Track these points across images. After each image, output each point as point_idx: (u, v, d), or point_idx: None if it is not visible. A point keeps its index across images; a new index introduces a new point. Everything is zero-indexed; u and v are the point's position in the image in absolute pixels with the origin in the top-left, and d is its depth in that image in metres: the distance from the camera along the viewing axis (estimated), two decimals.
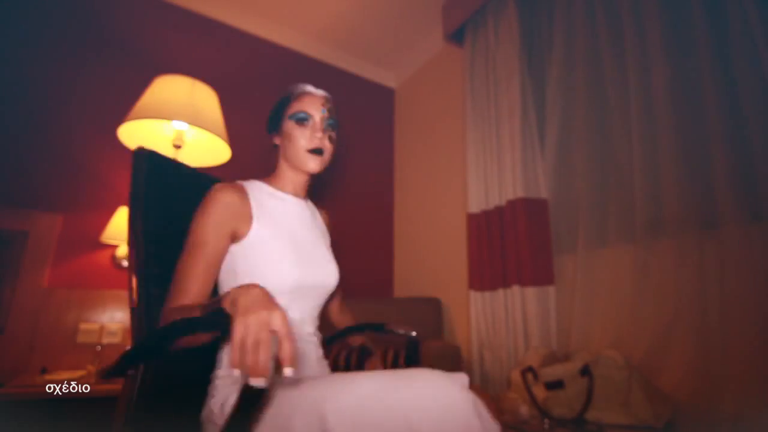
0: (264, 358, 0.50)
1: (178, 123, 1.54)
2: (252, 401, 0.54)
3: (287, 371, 0.51)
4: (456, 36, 2.28)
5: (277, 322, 0.53)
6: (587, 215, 1.57)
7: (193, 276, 0.78)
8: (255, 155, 2.20)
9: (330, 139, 0.96)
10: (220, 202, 0.84)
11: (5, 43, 1.82)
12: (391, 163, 3.00)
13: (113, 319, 1.84)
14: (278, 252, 0.88)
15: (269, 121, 1.00)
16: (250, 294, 0.57)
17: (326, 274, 0.96)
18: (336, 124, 0.97)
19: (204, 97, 1.59)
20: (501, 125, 1.88)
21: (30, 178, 1.80)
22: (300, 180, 1.00)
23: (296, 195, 1.01)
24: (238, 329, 0.52)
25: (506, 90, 1.87)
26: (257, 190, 0.93)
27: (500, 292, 1.76)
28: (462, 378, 0.65)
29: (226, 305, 0.58)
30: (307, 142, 0.93)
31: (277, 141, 0.99)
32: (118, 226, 1.77)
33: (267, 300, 0.56)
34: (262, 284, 0.70)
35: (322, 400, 0.58)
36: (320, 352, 0.96)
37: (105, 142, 1.82)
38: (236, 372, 0.51)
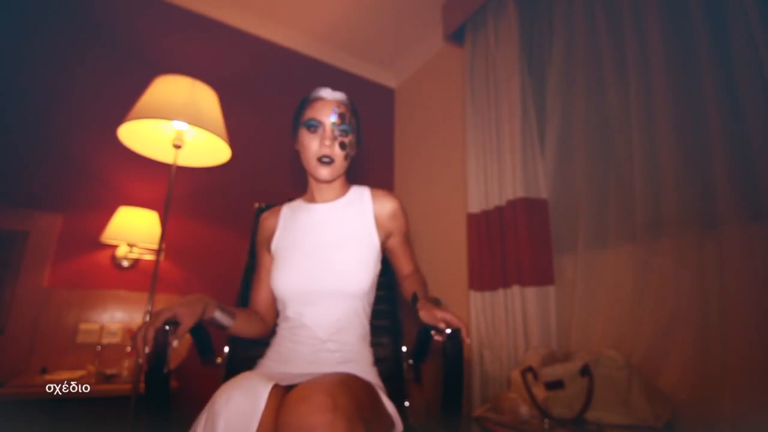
0: (139, 343, 0.72)
1: (178, 123, 1.54)
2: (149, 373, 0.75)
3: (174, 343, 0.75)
4: (456, 36, 2.27)
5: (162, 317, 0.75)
6: (587, 215, 1.56)
7: (254, 288, 1.04)
8: (255, 155, 2.21)
9: (341, 145, 0.92)
10: (258, 226, 1.07)
11: (5, 42, 1.82)
12: (391, 163, 3.00)
13: (113, 319, 1.84)
14: (287, 262, 0.95)
15: (291, 127, 0.99)
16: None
17: (327, 278, 0.91)
18: (350, 128, 0.94)
19: (204, 97, 1.59)
20: (501, 125, 1.88)
21: (30, 178, 1.80)
22: (322, 185, 1.00)
23: (324, 200, 1.00)
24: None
25: (506, 90, 1.87)
26: (294, 208, 1.05)
27: (500, 292, 1.76)
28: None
29: None
30: (316, 150, 0.91)
31: (297, 147, 0.98)
32: (118, 226, 1.77)
33: (172, 303, 0.78)
34: (274, 290, 0.95)
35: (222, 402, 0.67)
36: (337, 357, 0.90)
37: (105, 142, 1.82)
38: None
